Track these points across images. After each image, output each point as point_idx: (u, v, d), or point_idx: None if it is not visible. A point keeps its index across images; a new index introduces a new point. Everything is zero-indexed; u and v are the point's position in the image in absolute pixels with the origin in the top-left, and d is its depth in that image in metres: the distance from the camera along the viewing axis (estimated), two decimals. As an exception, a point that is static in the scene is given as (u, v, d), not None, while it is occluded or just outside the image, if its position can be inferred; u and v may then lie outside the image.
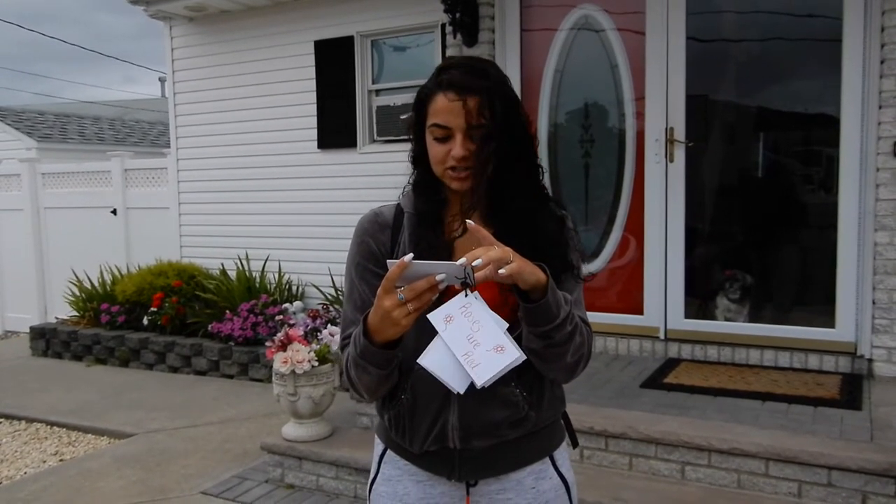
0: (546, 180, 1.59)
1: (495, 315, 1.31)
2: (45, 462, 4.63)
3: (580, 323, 1.45)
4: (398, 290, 1.29)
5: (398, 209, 1.58)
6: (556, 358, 1.42)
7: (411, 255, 1.28)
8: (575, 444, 1.69)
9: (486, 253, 1.27)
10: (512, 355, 1.27)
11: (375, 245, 1.55)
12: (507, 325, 1.31)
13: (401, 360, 1.43)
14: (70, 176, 8.59)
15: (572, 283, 1.52)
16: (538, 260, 1.37)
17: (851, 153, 4.20)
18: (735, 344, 4.50)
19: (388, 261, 1.30)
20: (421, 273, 1.27)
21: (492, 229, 1.42)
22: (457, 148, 1.43)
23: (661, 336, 4.73)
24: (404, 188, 1.60)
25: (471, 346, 1.28)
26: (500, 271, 1.26)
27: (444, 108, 1.43)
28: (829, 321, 4.32)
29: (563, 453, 1.62)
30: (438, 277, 1.27)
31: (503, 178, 1.48)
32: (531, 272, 1.32)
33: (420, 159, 1.54)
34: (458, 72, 1.44)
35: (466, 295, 1.29)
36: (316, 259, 6.40)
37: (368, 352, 1.38)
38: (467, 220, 1.36)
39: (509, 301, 1.42)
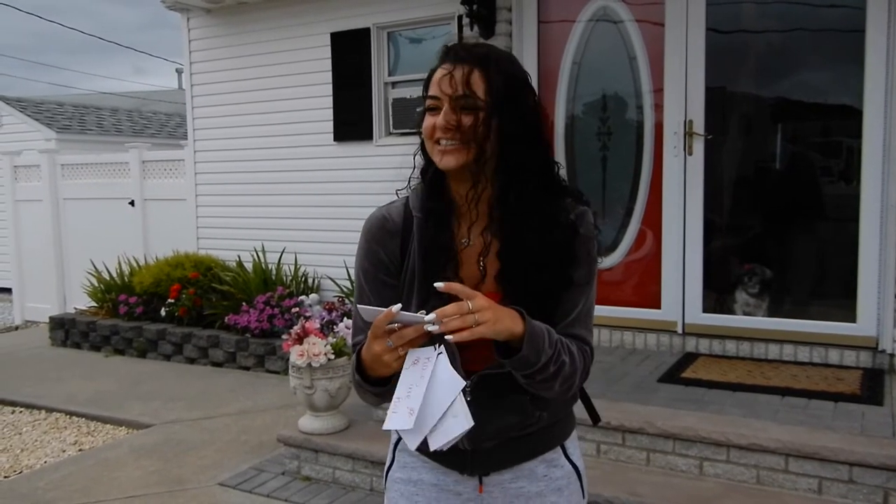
0: (563, 174, 1.51)
1: (450, 374, 1.30)
2: (64, 451, 4.67)
3: (570, 357, 1.40)
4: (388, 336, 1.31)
5: (406, 211, 1.52)
6: (543, 390, 1.41)
7: (399, 305, 1.29)
8: (596, 419, 1.67)
9: (449, 321, 1.23)
10: (406, 424, 1.28)
11: (385, 255, 1.51)
12: (462, 384, 1.30)
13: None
14: (89, 167, 8.64)
15: (576, 294, 1.45)
16: (539, 272, 1.37)
17: (874, 145, 4.14)
18: (754, 338, 4.46)
19: (368, 308, 1.32)
20: (405, 320, 1.29)
21: (496, 240, 1.43)
22: (441, 116, 1.39)
23: (679, 330, 4.69)
24: (409, 181, 1.55)
25: (405, 393, 1.30)
26: (464, 335, 1.24)
27: (436, 79, 1.41)
28: (849, 315, 4.27)
29: (574, 442, 1.61)
30: (428, 328, 1.25)
31: (508, 165, 1.41)
32: (505, 329, 1.28)
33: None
34: (456, 46, 1.43)
35: (436, 348, 1.31)
36: (332, 252, 6.40)
37: (365, 382, 1.43)
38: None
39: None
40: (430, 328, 1.24)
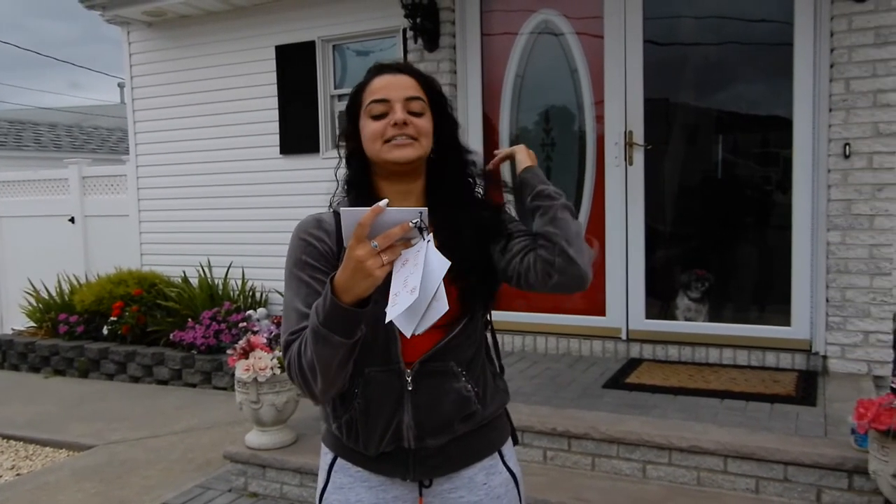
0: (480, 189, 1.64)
1: (438, 257, 1.27)
2: (0, 477, 4.52)
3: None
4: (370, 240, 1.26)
5: (337, 218, 1.53)
6: (558, 213, 1.54)
7: (386, 200, 1.25)
8: (515, 440, 1.71)
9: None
10: (413, 296, 1.23)
11: (321, 248, 1.52)
12: (447, 264, 1.27)
13: (362, 337, 1.35)
14: (26, 184, 8.42)
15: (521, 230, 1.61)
16: (483, 240, 1.54)
17: (804, 155, 4.30)
18: (695, 343, 4.57)
19: (351, 209, 1.26)
20: (386, 223, 1.25)
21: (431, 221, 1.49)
22: (398, 113, 1.47)
23: (623, 337, 4.78)
24: (332, 199, 1.59)
25: (402, 286, 1.27)
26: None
27: (381, 85, 1.50)
28: (785, 319, 4.41)
29: (510, 448, 1.66)
30: (414, 222, 1.25)
31: (440, 170, 1.55)
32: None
33: (355, 154, 1.56)
34: (387, 63, 1.55)
35: (424, 237, 1.28)
36: (279, 265, 6.25)
37: (335, 313, 1.28)
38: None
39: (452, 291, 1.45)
40: (415, 221, 1.25)
